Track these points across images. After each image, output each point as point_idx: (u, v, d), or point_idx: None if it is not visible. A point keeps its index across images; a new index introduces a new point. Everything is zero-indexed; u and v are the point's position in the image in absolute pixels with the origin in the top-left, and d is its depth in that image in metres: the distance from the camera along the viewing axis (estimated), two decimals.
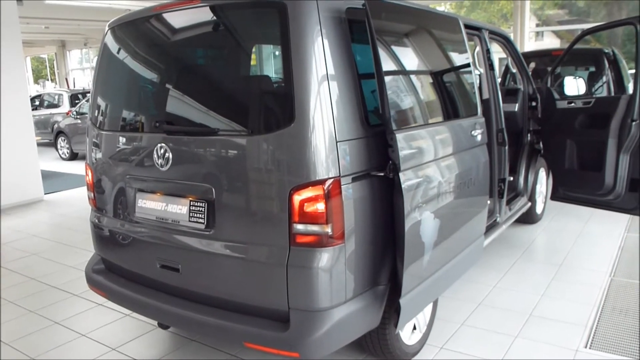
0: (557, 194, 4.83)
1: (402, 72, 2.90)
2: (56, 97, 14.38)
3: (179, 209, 2.70)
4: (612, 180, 4.33)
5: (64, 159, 12.57)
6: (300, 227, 2.34)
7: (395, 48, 2.86)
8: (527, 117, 5.11)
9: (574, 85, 4.85)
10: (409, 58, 3.03)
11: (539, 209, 5.59)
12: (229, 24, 2.66)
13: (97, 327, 3.71)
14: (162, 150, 2.66)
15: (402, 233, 2.50)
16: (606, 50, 7.64)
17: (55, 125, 12.82)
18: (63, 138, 12.45)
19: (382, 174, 2.54)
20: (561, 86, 4.94)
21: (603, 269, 4.32)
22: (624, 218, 5.55)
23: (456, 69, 3.51)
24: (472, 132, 3.40)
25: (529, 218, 5.42)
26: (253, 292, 2.52)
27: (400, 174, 2.49)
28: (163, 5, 2.74)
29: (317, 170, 2.30)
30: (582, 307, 3.67)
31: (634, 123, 4.13)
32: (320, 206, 2.31)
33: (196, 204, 2.63)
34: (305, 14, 2.31)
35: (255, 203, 2.48)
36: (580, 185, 4.61)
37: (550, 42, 16.13)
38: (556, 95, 4.86)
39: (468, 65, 3.54)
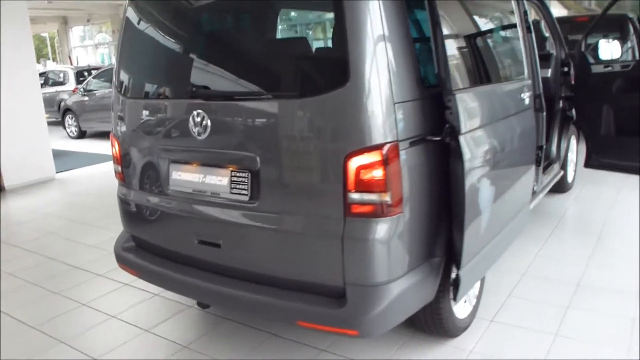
0: (592, 162, 4.65)
1: (454, 33, 2.72)
2: (61, 74, 14.08)
3: (218, 180, 2.53)
4: None
5: (72, 137, 12.33)
6: (355, 196, 2.17)
7: (446, 8, 2.66)
8: (560, 83, 4.90)
9: (609, 49, 4.63)
10: (460, 19, 2.84)
11: (570, 177, 5.42)
12: None
13: (126, 308, 3.56)
14: (200, 118, 2.47)
15: (462, 201, 2.34)
16: (630, 16, 7.39)
17: (62, 103, 12.56)
18: (71, 116, 12.19)
19: (438, 138, 2.36)
20: (595, 50, 4.72)
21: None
22: None
23: (505, 29, 3.31)
24: (521, 95, 3.21)
25: (560, 187, 5.25)
26: (303, 268, 2.37)
27: (460, 138, 2.31)
28: None
29: (374, 134, 2.12)
30: (630, 276, 3.51)
31: None
32: (378, 173, 2.13)
33: (238, 174, 2.45)
34: None
35: (305, 172, 2.30)
36: (618, 152, 4.43)
37: (557, 13, 15.74)
38: (591, 60, 4.64)
39: (515, 25, 3.33)
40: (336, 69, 2.17)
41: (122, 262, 3.08)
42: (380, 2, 2.13)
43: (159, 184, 2.78)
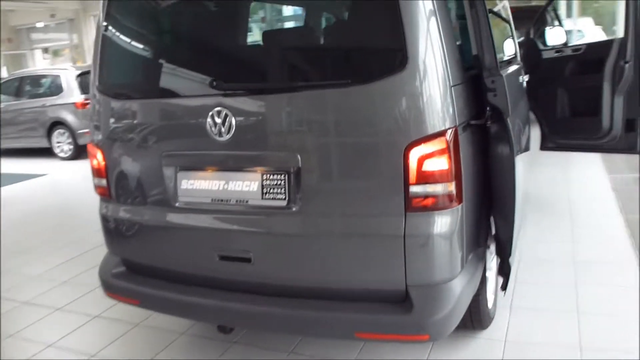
0: (547, 144, 4.81)
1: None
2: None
3: (246, 185, 2.24)
4: (609, 123, 4.37)
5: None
6: (417, 189, 2.00)
7: None
8: None
9: (555, 36, 4.82)
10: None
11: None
12: None
13: (63, 335, 3.16)
14: (222, 116, 2.17)
15: (512, 187, 2.25)
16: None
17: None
18: None
19: (480, 122, 2.25)
20: (542, 37, 4.90)
21: (611, 210, 4.37)
22: (598, 161, 5.73)
23: (499, 15, 3.29)
24: (521, 79, 3.21)
25: None
26: (355, 274, 2.15)
27: (507, 120, 2.21)
28: None
29: (436, 121, 1.97)
30: (618, 247, 3.66)
31: (626, 65, 4.15)
32: (444, 162, 1.97)
33: (272, 176, 2.18)
34: None
35: (358, 167, 2.08)
36: (575, 132, 4.62)
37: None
38: (541, 46, 4.81)
39: (498, 13, 3.33)
40: (392, 52, 1.98)
41: (114, 290, 2.67)
42: None
43: (162, 196, 2.42)
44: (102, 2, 2.56)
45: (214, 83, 2.17)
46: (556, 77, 4.60)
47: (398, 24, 1.92)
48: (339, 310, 2.14)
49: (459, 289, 2.11)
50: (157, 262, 2.57)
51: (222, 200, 2.29)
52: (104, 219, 2.70)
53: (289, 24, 2.35)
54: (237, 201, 2.26)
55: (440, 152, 1.96)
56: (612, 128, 4.36)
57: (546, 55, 4.69)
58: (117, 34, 2.58)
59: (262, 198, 2.21)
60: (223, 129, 2.18)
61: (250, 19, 2.42)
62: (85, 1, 18.77)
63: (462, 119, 2.10)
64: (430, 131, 1.95)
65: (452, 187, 2.00)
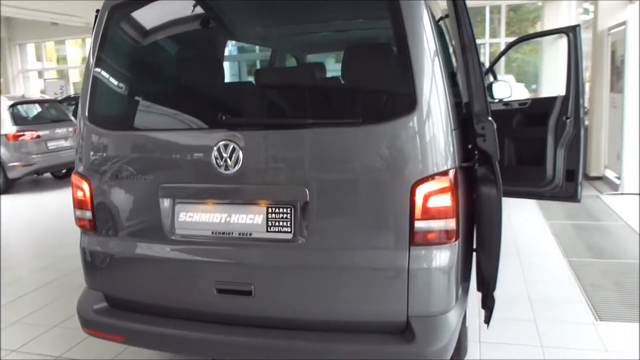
0: None
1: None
2: None
3: (250, 218, 2.26)
4: (552, 173, 4.76)
5: None
6: (422, 224, 2.12)
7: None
8: None
9: (502, 89, 5.23)
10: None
11: None
12: (332, 7, 2.33)
13: None
14: (230, 150, 2.21)
15: (499, 225, 2.41)
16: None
17: None
18: None
19: (469, 164, 2.42)
20: (490, 90, 5.31)
21: (555, 253, 4.70)
22: (536, 208, 6.16)
23: None
24: None
25: None
26: (358, 305, 2.21)
27: (495, 164, 2.39)
28: None
29: (441, 161, 2.11)
30: (567, 286, 3.94)
31: (567, 120, 4.60)
32: (447, 199, 2.11)
33: (277, 209, 2.23)
34: (417, 5, 2.11)
35: (365, 202, 2.17)
36: (520, 180, 4.97)
37: None
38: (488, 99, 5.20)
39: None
40: (402, 95, 2.11)
41: (95, 327, 2.55)
42: (434, 31, 2.16)
43: (157, 229, 2.39)
44: (94, 29, 2.55)
45: (223, 118, 2.21)
46: (504, 128, 4.96)
47: (409, 72, 2.06)
48: (342, 342, 2.18)
49: (455, 320, 2.22)
50: (146, 297, 2.50)
51: (223, 233, 2.30)
52: (85, 253, 2.60)
53: (303, 65, 2.43)
54: (240, 234, 2.27)
55: (444, 190, 2.10)
56: (554, 177, 4.76)
57: (494, 107, 5.07)
58: (112, 64, 2.56)
59: (267, 231, 2.24)
60: (230, 162, 2.21)
61: (261, 55, 2.48)
62: (10, 30, 18.03)
63: (459, 161, 2.26)
64: (436, 170, 2.09)
65: (452, 224, 2.14)
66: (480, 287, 2.60)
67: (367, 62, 2.33)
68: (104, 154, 2.49)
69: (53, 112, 9.66)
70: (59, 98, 13.42)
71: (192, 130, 2.36)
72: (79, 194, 2.56)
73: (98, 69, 2.51)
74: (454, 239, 2.17)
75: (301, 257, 2.22)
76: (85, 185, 2.52)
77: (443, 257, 2.16)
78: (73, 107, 11.40)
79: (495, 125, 2.35)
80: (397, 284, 2.14)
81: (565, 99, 4.53)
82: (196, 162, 2.30)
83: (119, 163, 2.44)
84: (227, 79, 2.44)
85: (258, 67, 2.36)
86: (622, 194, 6.68)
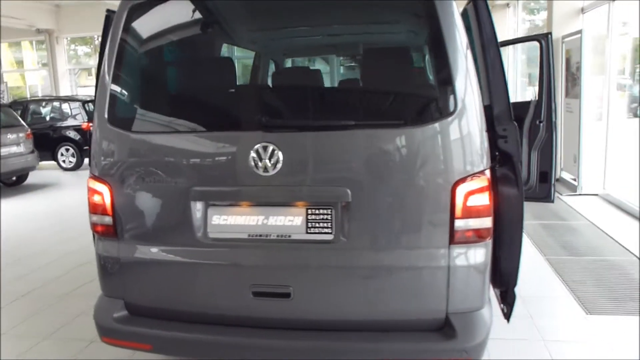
0: None
1: None
2: None
3: (289, 220, 2.25)
4: (527, 174, 4.99)
5: None
6: (461, 222, 2.18)
7: None
8: None
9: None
10: None
11: None
12: (369, 8, 2.34)
13: None
14: (269, 151, 2.19)
15: (521, 223, 2.50)
16: None
17: None
18: None
19: (492, 165, 2.51)
20: None
21: (533, 252, 4.90)
22: None
23: None
24: None
25: None
26: (398, 304, 2.24)
27: (517, 164, 2.49)
28: None
29: (479, 161, 2.18)
30: (551, 283, 4.13)
31: (540, 124, 4.84)
32: (485, 198, 2.18)
33: (318, 211, 2.23)
34: (451, 7, 2.18)
35: (407, 201, 2.20)
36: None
37: None
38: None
39: None
40: (444, 98, 2.17)
41: (117, 336, 2.46)
42: (464, 31, 2.22)
43: (187, 232, 2.33)
44: (111, 29, 2.46)
45: (264, 120, 2.19)
46: None
47: (448, 70, 2.12)
48: (385, 341, 2.21)
49: (489, 316, 2.30)
50: (172, 303, 2.43)
51: (260, 235, 2.27)
52: (103, 260, 2.50)
53: (347, 68, 2.44)
54: (278, 236, 2.26)
55: (484, 189, 2.17)
56: (529, 179, 4.98)
57: None
58: (136, 65, 2.49)
59: (307, 232, 2.23)
60: (269, 164, 2.19)
61: (307, 58, 2.48)
62: None
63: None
64: (475, 170, 2.16)
65: (489, 222, 2.21)
66: (498, 284, 2.69)
67: (408, 64, 2.37)
68: (128, 157, 2.41)
69: (3, 116, 9.16)
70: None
71: (228, 132, 2.32)
72: (97, 198, 2.46)
73: (118, 71, 2.43)
74: (489, 237, 2.25)
75: (342, 257, 2.23)
76: (104, 190, 2.43)
77: (480, 255, 2.23)
78: (19, 111, 10.89)
79: (517, 127, 2.44)
80: (437, 281, 2.19)
81: (539, 103, 4.75)
82: (232, 164, 2.26)
83: (146, 166, 2.37)
84: (264, 79, 2.40)
85: (296, 67, 2.35)
86: (580, 194, 7.06)
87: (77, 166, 11.51)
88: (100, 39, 2.66)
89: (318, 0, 2.38)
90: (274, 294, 2.27)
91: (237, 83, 2.48)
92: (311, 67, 2.52)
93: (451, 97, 2.13)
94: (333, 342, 2.23)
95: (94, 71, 26.58)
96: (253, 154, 2.20)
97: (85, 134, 11.21)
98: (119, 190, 2.41)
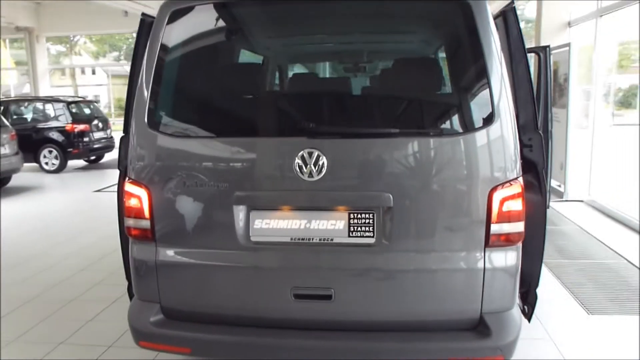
0: None
1: None
2: None
3: (331, 224, 2.33)
4: None
5: None
6: (497, 227, 2.29)
7: None
8: None
9: None
10: None
11: None
12: (408, 15, 2.44)
13: None
14: (314, 157, 2.27)
15: (543, 225, 2.63)
16: None
17: None
18: None
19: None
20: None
21: None
22: None
23: None
24: None
25: None
26: (436, 304, 2.34)
27: (542, 172, 2.62)
28: None
29: (513, 168, 2.30)
30: (551, 286, 4.29)
31: None
32: (519, 204, 2.30)
33: (360, 215, 2.32)
34: (486, 10, 2.30)
35: (446, 207, 2.31)
36: None
37: None
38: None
39: None
40: (484, 109, 2.28)
41: (156, 340, 2.50)
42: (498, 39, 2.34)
43: (229, 236, 2.38)
44: (152, 31, 2.50)
45: (311, 126, 2.27)
46: None
47: (488, 87, 2.24)
48: (423, 341, 2.31)
49: (519, 315, 2.42)
50: (211, 306, 2.48)
51: (303, 239, 2.34)
52: (139, 264, 2.53)
53: (390, 78, 2.53)
54: (320, 239, 2.33)
55: (518, 195, 2.29)
56: None
57: None
58: (178, 69, 2.54)
59: (349, 236, 2.32)
60: (314, 170, 2.27)
61: (351, 68, 2.56)
62: None
63: None
64: (510, 177, 2.28)
65: (522, 226, 2.33)
66: (520, 284, 2.81)
67: (451, 78, 2.47)
68: (169, 162, 2.44)
69: None
70: None
71: (273, 138, 2.39)
72: (133, 202, 2.49)
73: (159, 75, 2.46)
74: (520, 241, 2.36)
75: (383, 260, 2.32)
76: (143, 193, 2.46)
77: (512, 258, 2.35)
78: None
79: (542, 137, 2.57)
80: (473, 282, 2.30)
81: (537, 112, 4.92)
82: (277, 169, 2.33)
83: (188, 170, 2.41)
84: (308, 86, 2.47)
85: (338, 75, 2.44)
86: (566, 200, 7.31)
87: (61, 168, 11.35)
88: (134, 42, 2.70)
89: (357, 5, 2.46)
90: (315, 296, 2.34)
91: (281, 89, 2.54)
92: (354, 76, 2.60)
93: (489, 107, 2.25)
94: (372, 342, 2.32)
95: (68, 71, 26.32)
96: (298, 160, 2.27)
97: (70, 136, 11.07)
98: (159, 195, 2.44)
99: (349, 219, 2.32)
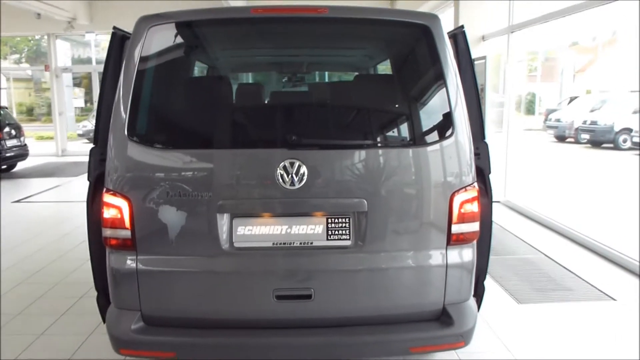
0: None
1: None
2: None
3: (310, 228, 2.52)
4: None
5: None
6: (456, 227, 2.59)
7: None
8: None
9: None
10: None
11: None
12: (375, 37, 2.67)
13: None
14: (295, 167, 2.44)
15: (490, 225, 2.95)
16: None
17: None
18: None
19: None
20: None
21: None
22: None
23: None
24: None
25: None
26: (404, 299, 2.60)
27: (489, 177, 2.95)
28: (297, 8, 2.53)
29: (470, 174, 2.61)
30: None
31: None
32: (475, 206, 2.61)
33: (337, 220, 2.52)
34: (443, 33, 2.60)
35: (413, 210, 2.57)
36: None
37: None
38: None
39: None
40: (444, 123, 2.56)
41: (138, 347, 2.56)
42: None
43: (212, 243, 2.50)
44: (131, 41, 2.57)
45: (293, 138, 2.45)
46: None
47: (447, 102, 2.54)
48: (395, 332, 2.55)
49: (475, 305, 2.73)
50: (192, 311, 2.57)
51: (284, 243, 2.51)
52: (118, 273, 2.58)
53: (364, 94, 2.76)
54: (301, 243, 2.51)
55: (474, 199, 2.60)
56: None
57: None
58: (158, 83, 2.62)
59: (327, 239, 2.52)
60: (296, 179, 2.45)
61: (328, 85, 2.75)
62: None
63: None
64: (468, 182, 2.58)
65: (477, 226, 2.64)
66: None
67: (416, 91, 2.74)
68: (151, 173, 2.52)
69: None
70: None
71: (255, 149, 2.53)
72: (113, 212, 2.54)
73: (138, 87, 2.53)
74: (476, 239, 2.68)
75: (359, 260, 2.54)
76: (123, 204, 2.52)
77: (469, 254, 2.65)
78: None
79: (488, 145, 2.91)
80: (437, 277, 2.58)
81: None
82: (259, 179, 2.49)
83: (171, 181, 2.50)
84: (287, 101, 2.64)
85: (317, 92, 2.64)
86: None
87: None
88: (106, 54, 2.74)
89: (334, 25, 2.68)
90: (296, 296, 2.52)
91: (263, 104, 2.70)
92: (332, 92, 2.83)
93: (449, 121, 2.54)
94: (351, 336, 2.53)
95: None
96: (280, 170, 2.44)
97: None
98: (140, 205, 2.51)
99: (327, 223, 2.52)
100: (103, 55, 18.30)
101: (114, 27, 2.76)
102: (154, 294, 2.58)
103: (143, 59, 2.55)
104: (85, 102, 21.92)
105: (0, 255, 3.98)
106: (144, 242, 2.54)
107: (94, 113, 14.09)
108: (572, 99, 20.31)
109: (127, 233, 2.53)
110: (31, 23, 13.25)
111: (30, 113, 25.42)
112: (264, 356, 2.61)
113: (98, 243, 2.64)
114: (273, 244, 2.52)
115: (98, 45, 17.04)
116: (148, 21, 2.58)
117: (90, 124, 15.11)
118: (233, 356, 2.60)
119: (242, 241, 2.52)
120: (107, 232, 2.57)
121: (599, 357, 3.35)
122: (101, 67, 16.07)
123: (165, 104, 2.69)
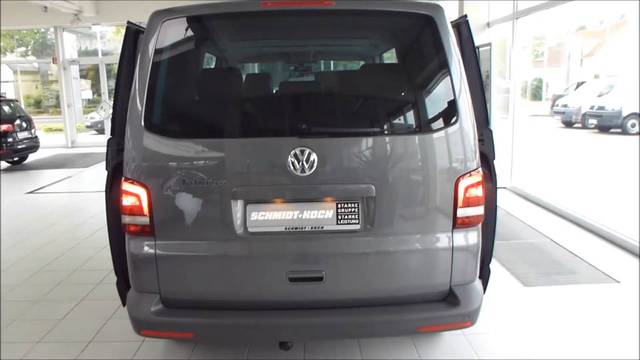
0: None
1: None
2: None
3: (321, 213, 2.62)
4: None
5: None
6: (462, 211, 2.68)
7: None
8: None
9: None
10: None
11: None
12: (380, 28, 2.75)
13: None
14: (306, 155, 2.54)
15: (495, 209, 3.05)
16: None
17: None
18: None
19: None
20: None
21: None
22: None
23: None
24: None
25: None
26: (413, 280, 2.69)
27: (493, 163, 3.03)
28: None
29: (474, 160, 2.69)
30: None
31: None
32: (480, 190, 2.70)
33: (346, 205, 2.62)
34: (447, 23, 2.67)
35: (420, 195, 2.66)
36: None
37: None
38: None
39: None
40: (448, 110, 2.65)
41: (158, 328, 2.68)
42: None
43: (227, 228, 2.61)
44: (146, 35, 2.66)
45: (304, 127, 2.54)
46: None
47: (453, 91, 2.62)
48: (404, 313, 2.65)
49: (480, 286, 2.83)
50: (209, 293, 2.69)
51: (296, 228, 2.62)
52: (137, 257, 2.69)
53: (373, 83, 2.85)
54: (312, 228, 2.62)
55: (479, 183, 2.69)
56: None
57: None
58: (173, 76, 2.71)
59: (337, 223, 2.62)
60: (306, 166, 2.55)
61: (338, 75, 2.83)
62: None
63: None
64: (472, 167, 2.67)
65: (482, 210, 2.73)
66: None
67: (421, 80, 2.83)
68: (168, 162, 2.62)
69: None
70: None
71: (267, 138, 2.63)
72: (131, 200, 2.64)
73: (154, 79, 2.63)
74: (481, 222, 2.77)
75: (368, 244, 2.64)
76: (141, 192, 2.62)
77: (474, 237, 2.74)
78: None
79: (492, 132, 2.99)
80: (443, 259, 2.68)
81: None
82: (271, 166, 2.58)
83: (187, 169, 2.60)
84: (299, 91, 2.74)
85: (327, 82, 2.74)
86: None
87: None
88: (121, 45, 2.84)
89: (341, 17, 2.76)
90: (308, 279, 2.63)
91: (274, 94, 2.79)
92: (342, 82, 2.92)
93: (453, 108, 2.62)
94: (361, 316, 2.64)
95: None
96: (291, 157, 2.54)
97: (4, 136, 10.55)
98: (158, 192, 2.62)
99: (337, 208, 2.62)
100: (109, 47, 18.48)
101: (128, 22, 2.85)
102: (172, 278, 2.69)
103: (157, 52, 2.64)
104: (93, 93, 22.07)
105: (0, 253, 4.04)
106: (161, 228, 2.65)
107: (102, 105, 14.24)
108: (579, 84, 20.21)
109: (145, 220, 2.64)
110: (38, 16, 13.37)
111: (38, 105, 25.61)
112: (278, 336, 2.73)
113: (117, 230, 2.75)
114: (285, 228, 2.62)
115: (104, 37, 17.13)
116: (161, 15, 2.67)
117: (98, 115, 15.24)
118: (249, 336, 2.72)
119: (256, 226, 2.62)
120: (126, 219, 2.68)
121: (603, 339, 3.44)
122: (107, 59, 16.18)
123: (180, 96, 2.78)
